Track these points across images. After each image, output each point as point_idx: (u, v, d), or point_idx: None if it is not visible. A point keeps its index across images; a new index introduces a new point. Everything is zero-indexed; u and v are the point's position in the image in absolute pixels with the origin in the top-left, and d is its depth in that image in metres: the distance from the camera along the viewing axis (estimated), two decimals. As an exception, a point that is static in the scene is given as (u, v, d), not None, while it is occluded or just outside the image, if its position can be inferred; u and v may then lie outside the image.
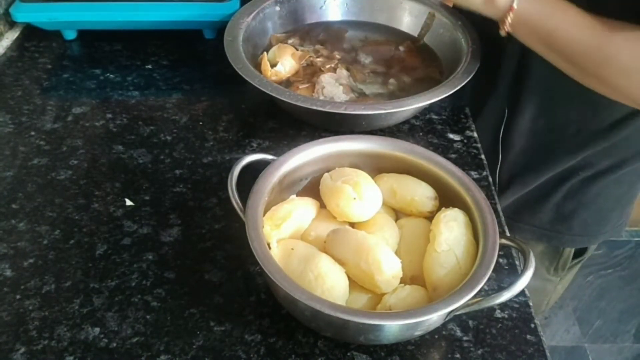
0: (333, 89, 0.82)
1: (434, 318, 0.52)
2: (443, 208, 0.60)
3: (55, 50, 0.96)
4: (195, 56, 0.96)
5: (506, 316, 0.61)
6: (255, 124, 0.83)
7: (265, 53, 0.85)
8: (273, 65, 0.83)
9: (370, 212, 0.61)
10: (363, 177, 0.61)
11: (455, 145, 0.81)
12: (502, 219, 0.71)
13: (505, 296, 0.52)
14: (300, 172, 0.64)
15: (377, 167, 0.66)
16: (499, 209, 0.73)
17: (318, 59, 0.87)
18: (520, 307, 0.62)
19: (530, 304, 0.62)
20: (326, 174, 0.63)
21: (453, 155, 0.79)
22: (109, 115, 0.83)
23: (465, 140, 0.82)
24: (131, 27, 0.96)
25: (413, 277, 0.58)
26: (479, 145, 0.81)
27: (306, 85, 0.83)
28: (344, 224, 0.61)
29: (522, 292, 0.62)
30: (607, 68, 0.65)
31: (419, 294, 0.56)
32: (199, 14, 0.93)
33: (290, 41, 0.90)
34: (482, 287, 0.52)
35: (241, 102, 0.87)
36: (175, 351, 0.56)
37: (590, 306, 1.79)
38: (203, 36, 0.99)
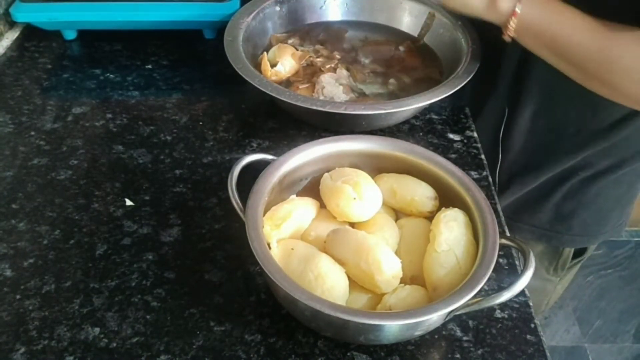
0: (333, 89, 0.82)
1: (434, 318, 0.52)
2: (443, 208, 0.60)
3: (55, 50, 0.96)
4: (195, 56, 0.96)
5: (506, 316, 0.61)
6: (255, 124, 0.83)
7: (265, 53, 0.85)
8: (273, 65, 0.83)
9: (370, 212, 0.61)
10: (363, 177, 0.61)
11: (455, 145, 0.81)
12: (502, 219, 0.71)
13: (505, 296, 0.52)
14: (300, 172, 0.64)
15: (377, 167, 0.66)
16: (499, 209, 0.73)
17: (318, 59, 0.87)
18: (520, 307, 0.62)
19: (530, 304, 0.62)
20: (326, 174, 0.63)
21: (453, 155, 0.79)
22: (109, 115, 0.83)
23: (465, 140, 0.82)
24: (131, 27, 0.96)
25: (413, 277, 0.58)
26: (479, 145, 0.81)
27: (306, 85, 0.83)
28: (344, 224, 0.61)
29: (522, 292, 0.62)
30: (610, 71, 0.65)
31: (419, 294, 0.56)
32: (199, 14, 0.93)
33: (290, 41, 0.90)
34: (482, 287, 0.52)
35: (241, 102, 0.87)
36: (175, 351, 0.56)
37: (590, 306, 1.79)
38: (203, 36, 0.99)
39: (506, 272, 0.65)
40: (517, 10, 0.67)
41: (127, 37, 0.97)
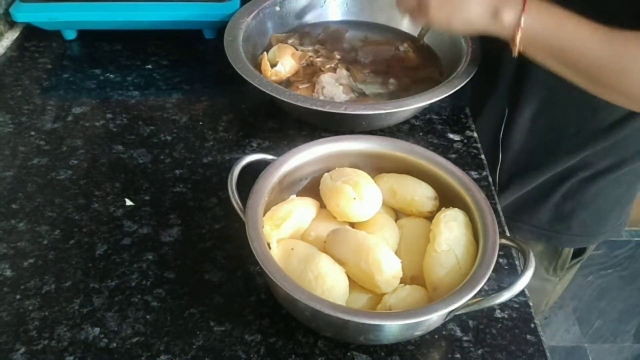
0: (333, 89, 0.82)
1: (434, 318, 0.52)
2: (443, 208, 0.60)
3: (55, 50, 0.96)
4: (195, 56, 0.96)
5: (506, 316, 0.61)
6: (255, 124, 0.83)
7: (265, 53, 0.85)
8: (273, 65, 0.83)
9: (370, 212, 0.61)
10: (363, 177, 0.61)
11: (455, 145, 0.81)
12: (502, 219, 0.71)
13: (505, 296, 0.52)
14: (300, 172, 0.64)
15: (377, 167, 0.66)
16: (499, 209, 0.73)
17: (318, 59, 0.87)
18: (520, 307, 0.62)
19: (530, 304, 0.62)
20: (326, 174, 0.63)
21: (453, 155, 0.79)
22: (109, 115, 0.83)
23: (465, 140, 0.82)
24: (131, 27, 0.96)
25: (413, 277, 0.58)
26: (479, 145, 0.81)
27: (306, 85, 0.83)
28: (344, 224, 0.61)
29: (522, 292, 0.62)
30: (625, 79, 0.64)
31: (419, 294, 0.56)
32: (199, 14, 0.93)
33: (290, 41, 0.90)
34: (482, 287, 0.52)
35: (241, 102, 0.87)
36: (175, 351, 0.56)
37: (590, 306, 1.79)
38: (203, 36, 0.99)
39: (506, 272, 0.65)
40: (522, 23, 0.65)
41: (127, 37, 0.97)
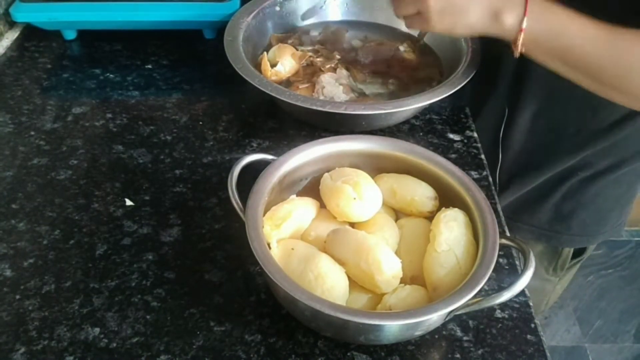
0: (333, 89, 0.82)
1: (434, 318, 0.52)
2: (443, 208, 0.60)
3: (55, 50, 0.96)
4: (195, 56, 0.96)
5: (506, 316, 0.61)
6: (255, 124, 0.83)
7: (265, 53, 0.85)
8: (273, 65, 0.83)
9: (370, 212, 0.61)
10: (363, 177, 0.61)
11: (455, 145, 0.81)
12: (502, 219, 0.71)
13: (506, 296, 0.52)
14: (300, 172, 0.64)
15: (377, 167, 0.66)
16: (499, 209, 0.73)
17: (318, 59, 0.87)
18: (521, 307, 0.62)
19: (531, 304, 0.62)
20: (326, 174, 0.63)
21: (453, 155, 0.79)
22: (109, 115, 0.83)
23: (465, 140, 0.82)
24: (131, 27, 0.96)
25: (413, 277, 0.58)
26: (479, 145, 0.81)
27: (306, 85, 0.83)
28: (344, 224, 0.61)
29: (522, 292, 0.62)
30: (626, 79, 0.64)
31: (419, 294, 0.56)
32: (199, 14, 0.93)
33: (290, 41, 0.90)
34: (482, 287, 0.52)
35: (241, 102, 0.87)
36: (175, 351, 0.56)
37: (590, 306, 1.79)
38: (203, 36, 0.99)
39: (506, 272, 0.65)
40: (524, 25, 0.65)
41: (127, 37, 0.97)
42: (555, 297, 1.08)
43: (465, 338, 0.59)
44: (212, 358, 0.56)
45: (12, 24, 0.99)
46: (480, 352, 0.58)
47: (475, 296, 0.51)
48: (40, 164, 0.75)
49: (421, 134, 0.83)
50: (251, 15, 0.88)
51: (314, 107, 0.73)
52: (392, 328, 0.53)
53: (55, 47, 0.96)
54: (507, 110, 0.85)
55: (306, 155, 0.64)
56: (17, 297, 0.60)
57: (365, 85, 0.85)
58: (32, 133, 0.80)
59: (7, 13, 0.95)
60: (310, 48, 0.90)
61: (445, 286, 0.55)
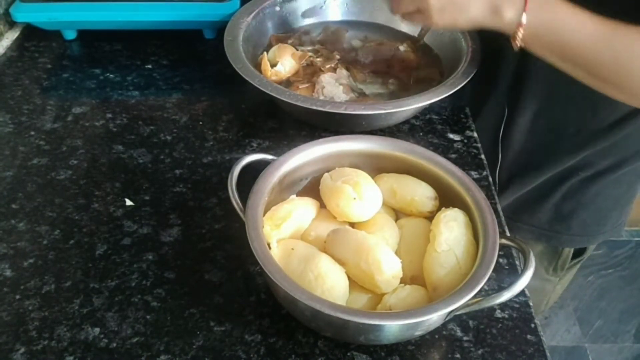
0: (333, 89, 0.82)
1: (434, 318, 0.52)
2: (443, 208, 0.60)
3: (55, 50, 0.96)
4: (195, 56, 0.96)
5: (506, 316, 0.61)
6: (255, 124, 0.83)
7: (265, 53, 0.85)
8: (273, 65, 0.83)
9: (370, 212, 0.61)
10: (363, 177, 0.61)
11: (455, 145, 0.81)
12: (502, 219, 0.71)
13: (506, 296, 0.52)
14: (300, 172, 0.64)
15: (377, 167, 0.66)
16: (499, 209, 0.73)
17: (318, 59, 0.87)
18: (521, 307, 0.62)
19: (531, 304, 0.62)
20: (326, 174, 0.63)
21: (453, 155, 0.79)
22: (109, 115, 0.83)
23: (465, 140, 0.82)
24: (131, 27, 0.96)
25: (413, 277, 0.58)
26: (479, 145, 0.81)
27: (306, 85, 0.83)
28: (344, 224, 0.61)
29: (522, 292, 0.62)
30: (624, 75, 0.64)
31: (419, 294, 0.56)
32: (199, 14, 0.93)
33: (290, 41, 0.90)
34: (482, 287, 0.52)
35: (241, 102, 0.87)
36: (175, 351, 0.56)
37: (590, 306, 1.79)
38: (203, 36, 0.99)
39: (506, 272, 0.65)
40: (523, 20, 0.65)
41: (127, 37, 0.97)
42: (556, 297, 1.08)
43: (465, 338, 0.59)
44: (212, 358, 0.56)
45: (12, 24, 0.99)
46: (480, 352, 0.58)
47: (475, 296, 0.51)
48: (40, 164, 0.75)
49: (421, 134, 0.83)
50: (251, 15, 0.88)
51: (314, 107, 0.73)
52: (392, 328, 0.53)
53: (55, 47, 0.96)
54: (507, 110, 0.85)
55: (306, 155, 0.64)
56: (17, 297, 0.60)
57: (365, 85, 0.85)
58: (32, 133, 0.80)
59: (7, 13, 0.95)
60: (310, 48, 0.90)
61: (445, 286, 0.55)
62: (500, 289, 0.54)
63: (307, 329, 0.58)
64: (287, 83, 0.84)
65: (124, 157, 0.77)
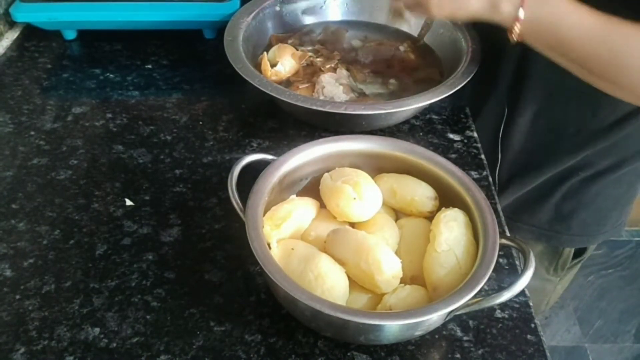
0: (333, 89, 0.82)
1: (434, 318, 0.52)
2: (443, 208, 0.60)
3: (55, 50, 0.96)
4: (195, 56, 0.96)
5: (506, 316, 0.61)
6: (255, 124, 0.83)
7: (265, 53, 0.85)
8: (273, 65, 0.83)
9: (370, 212, 0.61)
10: (363, 177, 0.61)
11: (455, 145, 0.81)
12: (502, 219, 0.71)
13: (506, 296, 0.52)
14: (300, 172, 0.64)
15: (377, 167, 0.66)
16: (499, 209, 0.73)
17: (318, 59, 0.87)
18: (521, 307, 0.62)
19: (531, 304, 0.62)
20: (326, 174, 0.63)
21: (453, 155, 0.79)
22: (109, 115, 0.83)
23: (465, 140, 0.82)
24: (131, 27, 0.96)
25: (413, 277, 0.58)
26: (479, 145, 0.81)
27: (306, 85, 0.83)
28: (344, 224, 0.61)
29: (522, 292, 0.62)
30: (624, 73, 0.65)
31: (419, 294, 0.56)
32: (199, 14, 0.93)
33: (290, 41, 0.90)
34: (482, 287, 0.52)
35: (241, 102, 0.87)
36: (175, 351, 0.56)
37: (590, 306, 1.79)
38: (203, 36, 0.99)
39: (506, 272, 0.65)
40: (520, 15, 0.66)
41: (127, 37, 0.97)
42: (556, 297, 1.08)
43: (465, 338, 0.59)
44: (212, 358, 0.56)
45: (12, 24, 0.99)
46: (480, 352, 0.58)
47: (475, 296, 0.51)
48: (40, 164, 0.75)
49: (421, 134, 0.83)
50: (251, 15, 0.88)
51: (314, 107, 0.73)
52: (392, 328, 0.53)
53: (55, 47, 0.96)
54: (507, 110, 0.85)
55: (306, 155, 0.64)
56: (17, 297, 0.60)
57: (365, 85, 0.85)
58: (32, 133, 0.80)
59: (7, 13, 0.95)
60: (310, 48, 0.90)
61: (445, 286, 0.55)
62: (500, 289, 0.54)
63: (307, 329, 0.58)
64: (287, 83, 0.84)
65: (124, 157, 0.77)
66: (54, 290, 0.61)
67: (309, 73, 0.85)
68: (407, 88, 0.85)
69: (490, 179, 0.77)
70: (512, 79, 0.84)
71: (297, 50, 0.87)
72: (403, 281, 0.56)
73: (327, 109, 0.73)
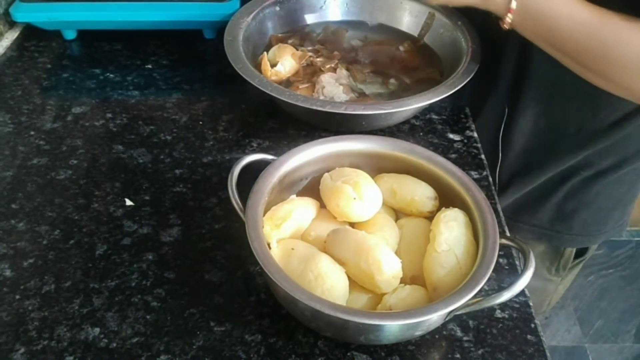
0: (333, 89, 0.81)
1: (434, 318, 0.52)
2: (443, 208, 0.60)
3: (55, 50, 0.96)
4: (195, 56, 0.96)
5: (506, 316, 0.61)
6: (255, 124, 0.83)
7: (265, 53, 0.85)
8: (273, 65, 0.83)
9: (370, 212, 0.61)
10: (363, 177, 0.61)
11: (455, 145, 0.81)
12: (502, 219, 0.71)
13: (506, 296, 0.52)
14: (300, 172, 0.64)
15: (377, 167, 0.66)
16: (499, 208, 0.73)
17: (318, 59, 0.87)
18: (521, 307, 0.62)
19: (531, 304, 0.62)
20: (326, 174, 0.63)
21: (453, 155, 0.79)
22: (109, 115, 0.83)
23: (465, 140, 0.82)
24: (131, 27, 0.96)
25: (413, 277, 0.58)
26: (479, 145, 0.81)
27: (306, 85, 0.83)
28: (344, 224, 0.61)
29: (522, 292, 0.62)
30: (609, 65, 0.65)
31: (419, 294, 0.56)
32: (199, 14, 0.93)
33: (290, 41, 0.90)
34: (482, 287, 0.52)
35: (241, 102, 0.87)
36: (175, 351, 0.56)
37: (591, 306, 1.79)
38: (203, 36, 0.99)
39: (506, 272, 0.65)
40: (512, 5, 0.67)
41: (127, 37, 0.97)
42: (558, 297, 1.08)
43: (465, 338, 0.59)
44: (212, 358, 0.56)
45: (12, 24, 0.99)
46: (480, 352, 0.58)
47: (475, 296, 0.51)
48: (40, 164, 0.75)
49: (421, 134, 0.83)
50: (251, 15, 0.88)
51: (314, 107, 0.73)
52: (392, 328, 0.53)
53: (55, 47, 0.96)
54: (507, 110, 0.85)
55: (306, 155, 0.64)
56: (17, 297, 0.60)
57: (365, 85, 0.85)
58: (32, 133, 0.80)
59: (7, 13, 0.95)
60: (310, 48, 0.90)
61: (445, 286, 0.55)
62: (500, 289, 0.54)
63: (307, 329, 0.58)
64: (287, 83, 0.84)
65: (124, 157, 0.77)
66: (54, 290, 0.61)
67: (309, 73, 0.85)
68: (407, 88, 0.85)
69: (490, 179, 0.77)
70: (512, 78, 0.84)
71: (297, 50, 0.87)
72: (403, 281, 0.56)
73: (327, 109, 0.73)
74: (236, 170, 0.60)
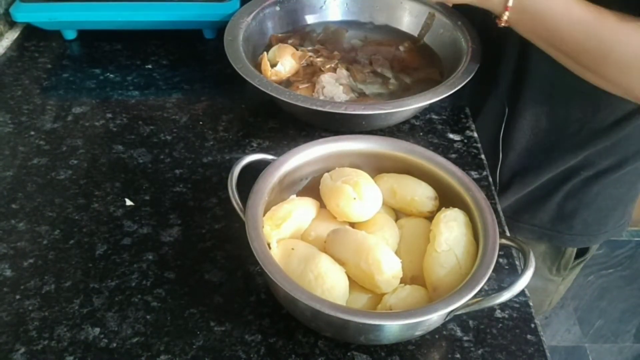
0: (333, 89, 0.81)
1: (434, 318, 0.52)
2: (443, 208, 0.60)
3: (55, 50, 0.96)
4: (195, 56, 0.96)
5: (506, 316, 0.61)
6: (255, 124, 0.83)
7: (265, 53, 0.85)
8: (273, 65, 0.83)
9: (370, 212, 0.61)
10: (363, 177, 0.61)
11: (455, 145, 0.81)
12: (502, 219, 0.71)
13: (506, 296, 0.52)
14: (300, 172, 0.64)
15: (377, 167, 0.66)
16: (499, 209, 0.73)
17: (318, 59, 0.87)
18: (521, 307, 0.62)
19: (531, 303, 0.62)
20: (326, 174, 0.63)
21: (453, 155, 0.79)
22: (109, 115, 0.83)
23: (465, 140, 0.82)
24: (131, 27, 0.96)
25: (413, 277, 0.58)
26: (479, 145, 0.81)
27: (306, 85, 0.83)
28: (344, 224, 0.61)
29: (522, 292, 0.62)
30: (605, 64, 0.65)
31: (419, 294, 0.56)
32: (199, 14, 0.93)
33: (290, 41, 0.90)
34: (482, 287, 0.52)
35: (241, 102, 0.87)
36: (175, 351, 0.56)
37: (591, 306, 1.79)
38: (203, 36, 0.99)
39: (506, 272, 0.65)
40: (509, 3, 0.67)
41: (127, 37, 0.97)
42: (558, 297, 1.08)
43: (465, 338, 0.59)
44: (212, 358, 0.56)
45: (12, 24, 0.99)
46: (480, 352, 0.58)
47: (475, 296, 0.51)
48: (40, 164, 0.75)
49: (421, 134, 0.83)
50: (251, 15, 0.88)
51: (314, 107, 0.73)
52: (392, 328, 0.53)
53: (55, 47, 0.96)
54: (507, 110, 0.85)
55: (306, 155, 0.64)
56: (17, 297, 0.60)
57: (365, 85, 0.85)
58: (32, 133, 0.80)
59: (7, 13, 0.95)
60: (310, 48, 0.90)
61: (445, 286, 0.55)
62: (500, 289, 0.54)
63: (307, 329, 0.58)
64: (287, 83, 0.84)
65: (124, 157, 0.77)
66: (54, 290, 0.61)
67: (309, 73, 0.85)
68: (407, 88, 0.85)
69: (491, 179, 0.77)
70: (512, 78, 0.84)
71: (297, 50, 0.87)
72: (403, 281, 0.56)
73: (327, 109, 0.73)
74: (236, 170, 0.60)
